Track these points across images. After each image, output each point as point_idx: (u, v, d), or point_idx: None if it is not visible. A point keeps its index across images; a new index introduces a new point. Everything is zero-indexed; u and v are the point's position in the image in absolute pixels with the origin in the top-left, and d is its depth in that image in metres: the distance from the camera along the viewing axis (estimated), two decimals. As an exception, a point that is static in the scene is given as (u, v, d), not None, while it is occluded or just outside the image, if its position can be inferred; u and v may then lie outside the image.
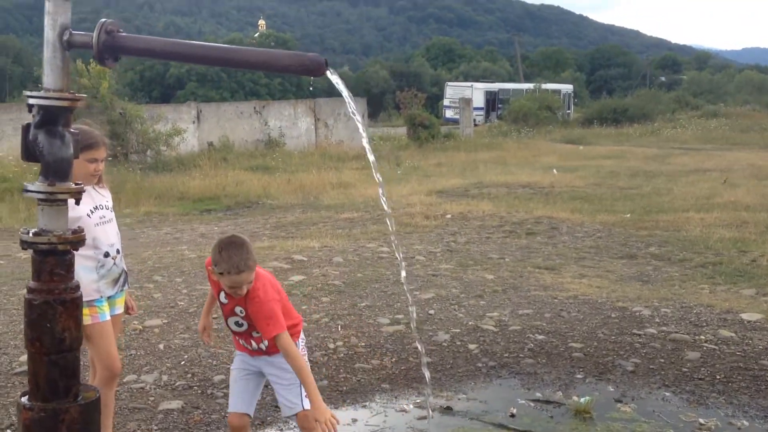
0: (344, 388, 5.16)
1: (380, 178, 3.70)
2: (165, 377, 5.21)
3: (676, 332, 6.13)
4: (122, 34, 3.25)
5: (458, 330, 6.22)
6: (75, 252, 3.95)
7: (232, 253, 3.36)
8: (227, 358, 5.41)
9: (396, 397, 5.03)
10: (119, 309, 4.09)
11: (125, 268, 4.08)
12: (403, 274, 4.10)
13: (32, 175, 16.21)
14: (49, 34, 3.18)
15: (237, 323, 3.57)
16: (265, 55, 3.29)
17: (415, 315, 5.11)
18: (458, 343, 5.96)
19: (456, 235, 10.64)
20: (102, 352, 3.93)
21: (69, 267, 3.28)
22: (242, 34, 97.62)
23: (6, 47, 79.46)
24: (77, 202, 3.36)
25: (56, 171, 3.25)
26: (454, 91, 54.31)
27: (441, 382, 5.28)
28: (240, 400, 3.65)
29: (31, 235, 3.23)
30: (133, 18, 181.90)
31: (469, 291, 7.42)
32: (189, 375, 5.24)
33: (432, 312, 6.70)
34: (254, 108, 27.57)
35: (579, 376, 5.35)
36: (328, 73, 3.33)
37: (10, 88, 64.71)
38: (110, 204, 4.04)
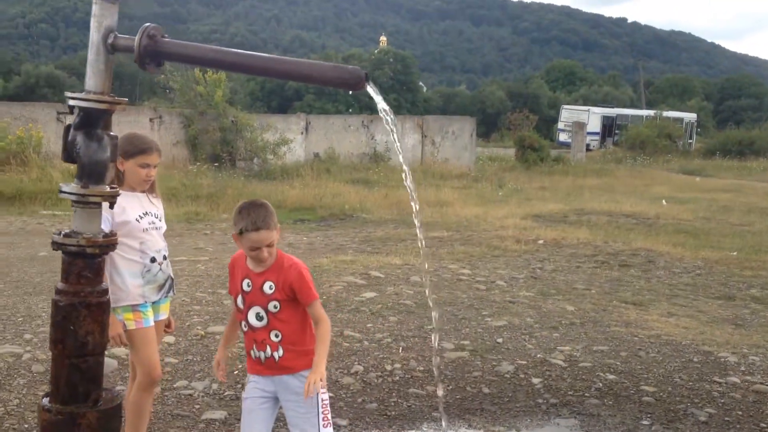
0: (393, 413, 4.99)
1: (411, 187, 3.56)
2: (215, 386, 5.18)
3: (762, 383, 5.66)
4: (165, 39, 3.23)
5: (524, 362, 5.95)
6: (122, 256, 3.98)
7: (251, 211, 3.31)
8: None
9: (447, 428, 4.82)
10: (163, 315, 4.05)
11: (172, 275, 4.05)
12: (427, 292, 3.90)
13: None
14: (94, 36, 3.17)
15: (258, 316, 3.39)
16: (306, 67, 3.20)
17: (435, 321, 4.85)
18: (521, 375, 5.69)
19: (544, 262, 10.29)
20: (143, 357, 3.90)
21: (98, 270, 3.27)
22: (362, 49, 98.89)
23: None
24: (111, 206, 3.38)
25: (91, 173, 3.25)
26: (569, 114, 53.14)
27: (495, 415, 5.03)
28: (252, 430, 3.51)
29: (61, 236, 3.25)
30: (260, 31, 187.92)
31: (545, 321, 7.11)
32: (239, 386, 5.19)
33: (500, 340, 6.44)
34: (362, 122, 27.79)
35: (645, 422, 4.99)
36: (368, 87, 3.23)
37: (140, 93, 67.71)
38: (161, 213, 4.02)
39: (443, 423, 4.69)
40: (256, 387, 3.50)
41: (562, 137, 50.03)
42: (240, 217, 3.33)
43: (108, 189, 3.23)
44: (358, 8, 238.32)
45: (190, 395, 5.02)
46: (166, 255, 3.99)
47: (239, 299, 3.46)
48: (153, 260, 3.89)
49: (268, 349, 3.40)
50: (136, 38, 3.07)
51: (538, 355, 6.10)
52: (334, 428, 4.65)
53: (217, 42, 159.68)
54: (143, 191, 3.94)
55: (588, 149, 40.61)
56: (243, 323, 3.45)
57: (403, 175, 3.40)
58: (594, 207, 17.41)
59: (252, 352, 3.45)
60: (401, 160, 3.37)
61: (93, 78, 3.15)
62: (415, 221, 3.32)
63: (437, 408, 5.09)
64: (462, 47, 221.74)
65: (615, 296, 8.41)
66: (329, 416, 3.47)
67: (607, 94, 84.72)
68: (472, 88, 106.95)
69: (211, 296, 7.35)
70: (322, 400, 3.48)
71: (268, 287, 3.37)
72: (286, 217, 15.28)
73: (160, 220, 4.00)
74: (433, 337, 5.24)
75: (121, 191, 3.89)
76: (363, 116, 29.65)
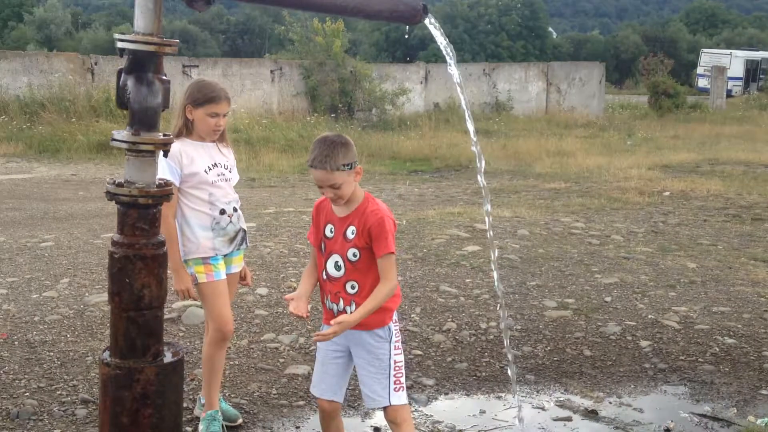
0: (484, 373, 4.71)
1: (475, 137, 3.24)
2: (302, 339, 5.05)
3: None
4: (216, -27, 3.00)
5: (633, 323, 5.51)
6: (191, 207, 3.82)
7: (318, 145, 3.07)
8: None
9: (538, 392, 4.50)
10: (236, 267, 3.92)
11: (244, 228, 3.90)
12: (494, 255, 3.56)
13: (260, 128, 16.99)
14: (142, -27, 3.00)
15: (336, 265, 3.16)
16: (359, 1, 2.91)
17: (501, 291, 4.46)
18: (629, 337, 5.26)
19: (668, 216, 9.62)
20: (214, 311, 3.80)
21: (153, 221, 3.12)
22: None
23: (269, 9, 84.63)
24: (165, 153, 3.21)
25: (142, 120, 3.09)
26: (710, 58, 50.02)
27: (596, 380, 4.67)
28: (328, 386, 3.30)
29: (114, 185, 3.12)
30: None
31: (661, 279, 6.60)
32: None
33: (608, 299, 6.00)
34: (483, 70, 27.09)
35: (765, 392, 4.50)
36: (426, 21, 2.90)
37: (268, 46, 68.83)
38: (231, 164, 3.85)
39: (515, 395, 4.32)
40: (327, 343, 3.30)
41: (702, 83, 47.16)
42: (311, 150, 3.13)
43: (161, 136, 3.08)
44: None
45: (276, 348, 4.91)
46: (237, 207, 3.83)
47: (322, 246, 3.24)
48: (222, 212, 3.75)
49: (341, 302, 3.20)
50: (186, -26, 2.87)
51: (650, 316, 5.64)
52: (419, 388, 4.47)
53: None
54: (213, 141, 3.77)
55: (729, 95, 38.24)
56: (323, 272, 3.26)
57: (468, 124, 3.08)
58: (730, 156, 16.29)
59: (326, 302, 3.27)
60: (464, 106, 3.06)
61: (141, 18, 2.97)
62: (479, 178, 2.98)
63: (532, 370, 4.77)
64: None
65: (743, 252, 7.74)
66: (402, 380, 3.24)
67: (752, 36, 79.34)
68: (606, 33, 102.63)
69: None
70: (395, 362, 3.26)
71: (350, 232, 3.15)
72: (400, 168, 15.10)
73: (230, 171, 3.83)
74: (500, 314, 4.84)
75: (190, 141, 3.76)
76: (484, 64, 28.95)
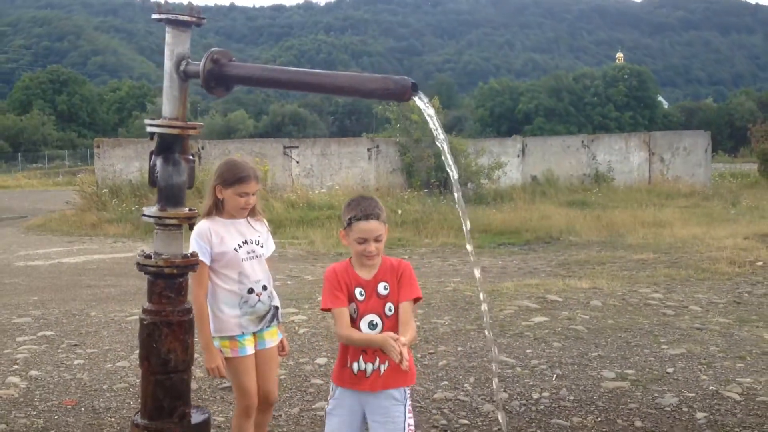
0: (528, 443, 4.71)
1: (463, 207, 3.35)
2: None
3: None
4: (231, 63, 3.32)
5: (692, 394, 5.37)
6: (221, 286, 3.95)
7: (361, 201, 3.29)
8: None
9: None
10: (270, 342, 3.98)
11: (276, 305, 3.99)
12: (484, 307, 3.61)
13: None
14: (167, 64, 3.33)
15: (371, 324, 3.25)
16: (351, 79, 3.15)
17: (495, 367, 4.43)
18: (685, 409, 5.13)
19: (755, 286, 9.29)
20: (240, 385, 3.91)
21: (180, 290, 3.38)
22: (596, 68, 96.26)
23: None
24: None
25: (168, 197, 3.39)
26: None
27: (642, 452, 4.58)
28: None
29: (143, 257, 3.41)
30: (493, 57, 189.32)
31: (731, 351, 6.39)
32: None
33: (670, 370, 5.87)
34: (582, 142, 26.95)
35: (822, 468, 4.30)
36: (415, 98, 3.09)
37: (375, 126, 70.65)
38: (263, 239, 3.96)
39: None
40: (343, 402, 3.40)
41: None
42: (349, 208, 3.29)
43: (186, 211, 3.36)
44: (594, 26, 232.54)
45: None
46: (267, 285, 3.91)
47: (352, 310, 3.34)
48: (251, 291, 3.85)
49: (377, 360, 3.29)
50: (201, 63, 3.17)
51: (711, 387, 5.48)
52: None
53: (450, 71, 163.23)
54: (243, 218, 3.90)
55: None
56: None
57: (455, 194, 3.23)
58: (838, 224, 15.53)
59: (356, 364, 3.31)
60: (454, 178, 3.19)
61: (167, 104, 3.29)
62: (468, 246, 3.11)
63: (578, 441, 4.73)
64: (708, 58, 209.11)
65: (831, 323, 7.39)
66: (415, 441, 3.33)
67: None
68: (721, 100, 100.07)
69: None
70: (409, 426, 3.36)
71: (383, 288, 3.29)
72: (489, 241, 15.14)
73: (262, 247, 3.93)
74: (493, 366, 4.80)
75: (220, 219, 3.94)
76: (583, 136, 28.78)
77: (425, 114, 3.06)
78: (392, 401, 3.32)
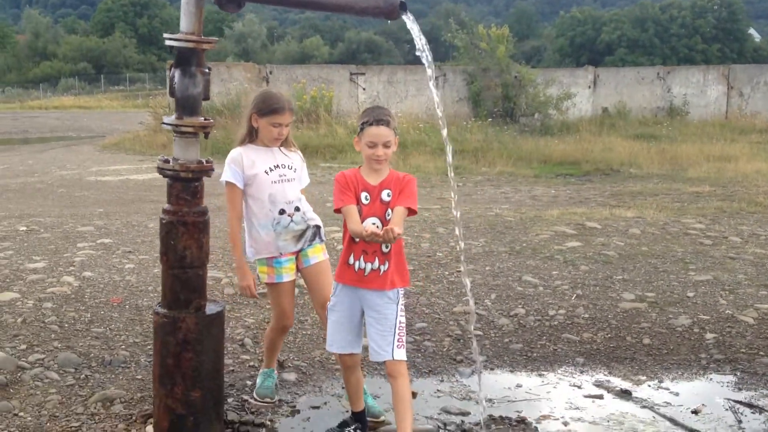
0: (535, 354, 4.95)
1: (446, 136, 3.53)
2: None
3: None
4: (242, -19, 3.55)
5: (707, 317, 5.50)
6: (254, 208, 4.15)
7: (375, 108, 3.57)
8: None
9: (581, 372, 4.69)
10: (315, 258, 4.11)
11: (317, 224, 4.14)
12: (461, 245, 3.76)
13: (416, 132, 17.58)
14: (184, -19, 3.59)
15: (373, 225, 3.53)
16: (341, -3, 3.35)
17: (470, 288, 4.59)
18: (696, 330, 5.28)
19: (805, 220, 9.18)
20: (277, 308, 4.16)
21: (195, 193, 3.71)
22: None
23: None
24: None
25: (184, 106, 3.70)
26: None
27: (644, 365, 4.78)
28: (346, 342, 3.69)
29: (162, 162, 3.74)
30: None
31: (758, 279, 6.44)
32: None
33: (691, 294, 5.98)
34: (657, 73, 26.25)
35: (817, 389, 4.43)
36: (403, 16, 3.27)
37: (449, 54, 69.85)
38: (295, 165, 4.10)
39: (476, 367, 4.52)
40: (345, 295, 3.67)
41: None
42: (363, 115, 3.54)
43: (202, 120, 3.65)
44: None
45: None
46: (299, 206, 4.05)
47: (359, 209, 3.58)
48: (282, 212, 3.98)
49: (376, 261, 3.55)
50: (216, -19, 3.41)
51: (727, 311, 5.60)
52: (468, 363, 4.80)
53: None
54: (276, 146, 4.06)
55: None
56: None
57: (444, 135, 3.39)
58: None
59: (357, 263, 3.57)
60: (439, 113, 3.38)
61: (184, 19, 3.56)
62: (452, 194, 3.30)
63: (584, 353, 4.95)
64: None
65: None
66: (404, 339, 3.61)
67: None
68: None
69: (414, 239, 7.66)
70: (400, 323, 3.62)
71: (386, 194, 3.54)
72: (547, 171, 15.16)
73: (294, 171, 4.06)
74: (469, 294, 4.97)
75: (253, 146, 4.13)
76: (659, 68, 27.97)
77: (412, 32, 3.24)
78: (386, 300, 3.59)
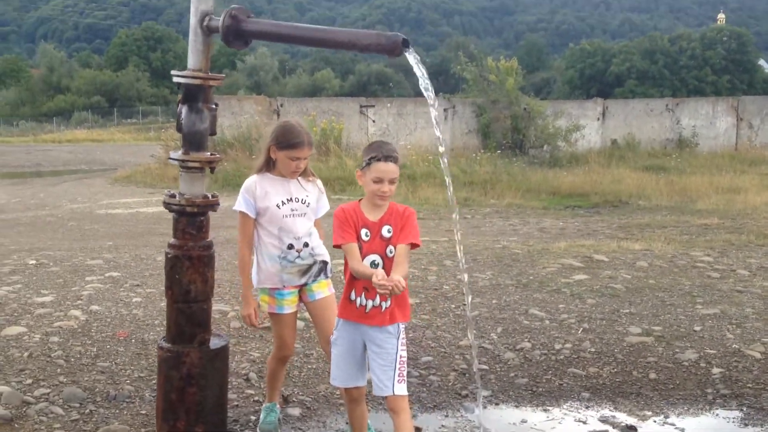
0: (540, 389, 4.93)
1: (446, 162, 3.56)
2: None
3: None
4: (249, 19, 3.62)
5: (713, 351, 5.47)
6: (264, 239, 4.17)
7: (381, 144, 3.56)
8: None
9: (587, 407, 4.67)
10: (320, 294, 4.13)
11: (325, 260, 4.14)
12: (465, 277, 3.78)
13: (425, 164, 17.64)
14: (192, 20, 3.69)
15: (373, 263, 3.53)
16: (349, 35, 3.42)
17: (471, 323, 4.60)
18: (702, 364, 5.25)
19: (815, 252, 9.14)
20: (277, 338, 4.19)
21: (200, 227, 3.76)
22: (691, 30, 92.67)
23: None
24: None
25: (191, 141, 3.76)
26: None
27: (650, 401, 4.75)
28: (349, 376, 3.70)
29: (168, 197, 3.78)
30: (588, 17, 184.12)
31: (766, 313, 6.41)
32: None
33: (698, 329, 5.96)
34: (666, 105, 26.33)
35: (825, 425, 4.39)
36: (406, 53, 3.32)
37: (458, 86, 70.32)
38: (311, 199, 4.08)
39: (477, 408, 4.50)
40: (347, 331, 3.66)
41: None
42: (371, 149, 3.53)
43: (208, 155, 3.70)
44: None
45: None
46: (309, 242, 4.06)
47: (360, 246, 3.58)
48: (290, 247, 3.99)
49: (377, 297, 3.54)
50: (221, 19, 3.48)
51: (734, 346, 5.57)
52: (473, 398, 4.78)
53: (542, 31, 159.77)
54: (293, 178, 4.06)
55: None
56: None
57: (441, 159, 3.42)
58: None
59: (358, 299, 3.58)
60: (440, 144, 3.41)
61: (192, 57, 3.63)
62: (454, 216, 3.33)
63: (589, 388, 4.93)
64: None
65: None
66: (405, 373, 3.61)
67: None
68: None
69: (421, 272, 7.67)
70: (401, 357, 3.63)
71: (386, 230, 3.55)
72: (556, 203, 15.17)
73: (308, 206, 4.05)
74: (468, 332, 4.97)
75: (270, 175, 4.12)
76: (667, 99, 28.09)
77: (415, 69, 3.29)
78: (386, 334, 3.60)
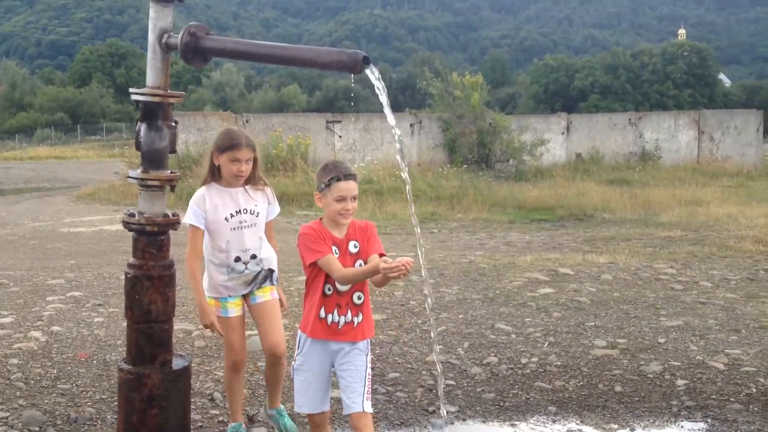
0: (507, 404, 4.92)
1: (407, 177, 3.55)
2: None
3: None
4: (208, 36, 3.58)
5: (677, 363, 5.51)
6: (212, 250, 4.16)
7: (337, 164, 3.58)
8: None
9: (554, 422, 4.67)
10: (261, 297, 4.17)
11: (272, 268, 4.17)
12: (429, 302, 3.79)
13: (392, 179, 17.64)
14: (151, 37, 3.63)
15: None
16: (310, 52, 3.40)
17: (435, 334, 4.62)
18: (667, 376, 5.29)
19: (776, 264, 9.28)
20: (226, 342, 4.19)
21: (161, 246, 3.70)
22: (651, 45, 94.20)
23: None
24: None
25: (150, 160, 3.70)
26: None
27: (616, 413, 4.77)
28: (317, 401, 3.65)
29: (127, 216, 3.72)
30: (551, 33, 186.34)
31: (729, 324, 6.49)
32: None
33: (662, 341, 6.00)
34: (629, 119, 26.67)
35: (787, 435, 4.43)
36: (367, 71, 3.31)
37: (425, 101, 70.63)
38: (258, 209, 4.11)
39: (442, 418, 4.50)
40: (313, 356, 3.62)
41: None
42: (326, 171, 3.53)
43: (168, 173, 3.65)
44: (657, 1, 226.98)
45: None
46: (256, 254, 4.09)
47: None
48: (237, 259, 4.04)
49: (349, 313, 3.54)
50: (179, 37, 3.43)
51: (698, 357, 5.62)
52: (439, 414, 4.76)
53: (507, 47, 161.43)
54: (240, 186, 4.07)
55: None
56: (326, 287, 3.55)
57: (403, 174, 3.42)
58: None
59: (330, 316, 3.54)
60: (399, 157, 3.41)
61: (151, 74, 3.58)
62: (413, 221, 3.34)
63: (556, 402, 4.93)
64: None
65: (841, 301, 7.40)
66: (371, 390, 3.59)
67: None
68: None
69: (389, 287, 7.65)
70: (369, 374, 3.61)
71: (353, 246, 3.55)
72: (522, 217, 15.25)
73: (257, 216, 4.08)
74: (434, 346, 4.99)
75: (217, 186, 4.16)
76: (630, 113, 28.45)
77: (375, 86, 3.28)
78: (357, 351, 3.58)
